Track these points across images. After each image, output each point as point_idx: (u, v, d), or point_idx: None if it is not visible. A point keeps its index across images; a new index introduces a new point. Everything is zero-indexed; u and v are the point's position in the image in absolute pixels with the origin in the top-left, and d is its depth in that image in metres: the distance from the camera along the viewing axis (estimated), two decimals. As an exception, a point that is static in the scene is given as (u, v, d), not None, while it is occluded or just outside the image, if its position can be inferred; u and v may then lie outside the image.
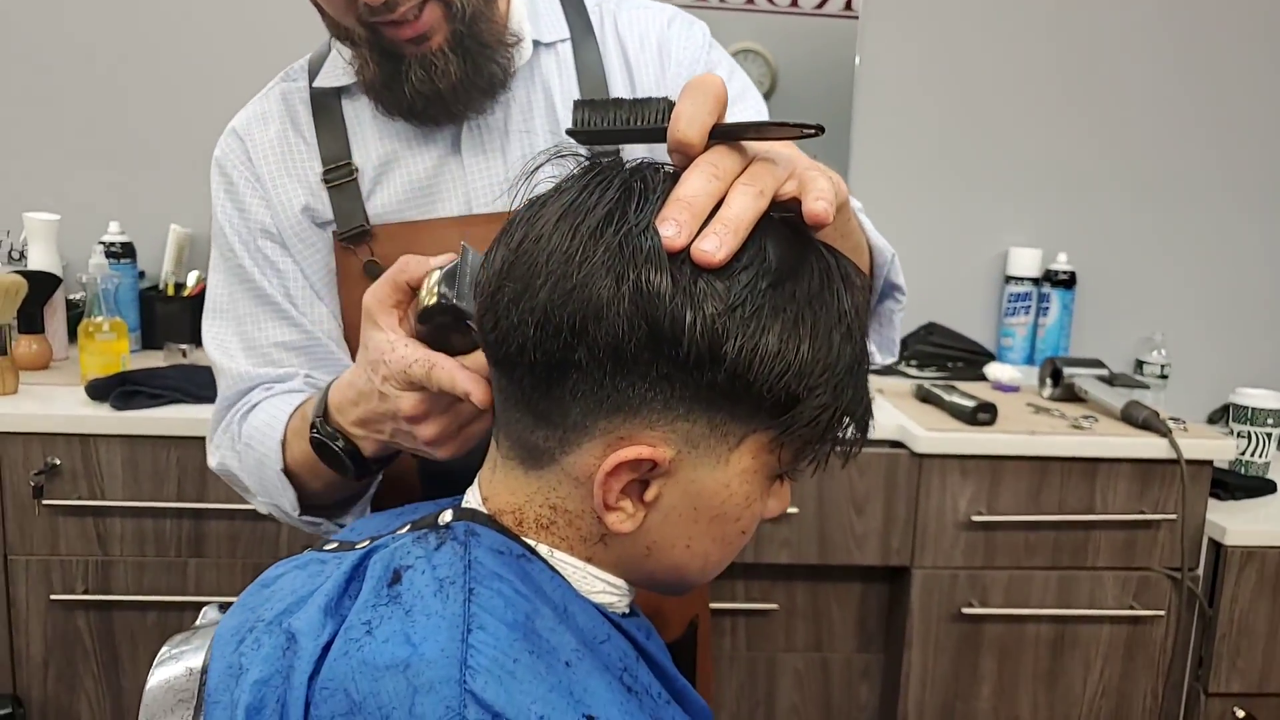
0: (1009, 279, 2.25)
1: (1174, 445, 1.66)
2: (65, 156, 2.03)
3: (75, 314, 1.88)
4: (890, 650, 1.80)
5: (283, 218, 0.91)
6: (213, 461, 0.95)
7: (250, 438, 0.88)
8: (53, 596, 1.58)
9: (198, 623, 0.82)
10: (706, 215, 0.52)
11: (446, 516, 0.63)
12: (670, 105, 0.56)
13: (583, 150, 0.58)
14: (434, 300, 0.66)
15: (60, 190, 2.00)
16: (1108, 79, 2.24)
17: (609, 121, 0.57)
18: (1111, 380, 1.94)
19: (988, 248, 2.29)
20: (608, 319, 0.51)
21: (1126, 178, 2.27)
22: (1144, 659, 1.76)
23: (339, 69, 0.91)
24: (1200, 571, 1.74)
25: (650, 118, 0.57)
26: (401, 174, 0.91)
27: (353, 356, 0.90)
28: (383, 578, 0.59)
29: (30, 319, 1.75)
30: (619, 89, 0.93)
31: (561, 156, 0.58)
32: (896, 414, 1.77)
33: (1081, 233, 2.28)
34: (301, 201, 0.91)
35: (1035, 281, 2.23)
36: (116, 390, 1.55)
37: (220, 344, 0.94)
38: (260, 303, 0.92)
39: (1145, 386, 2.00)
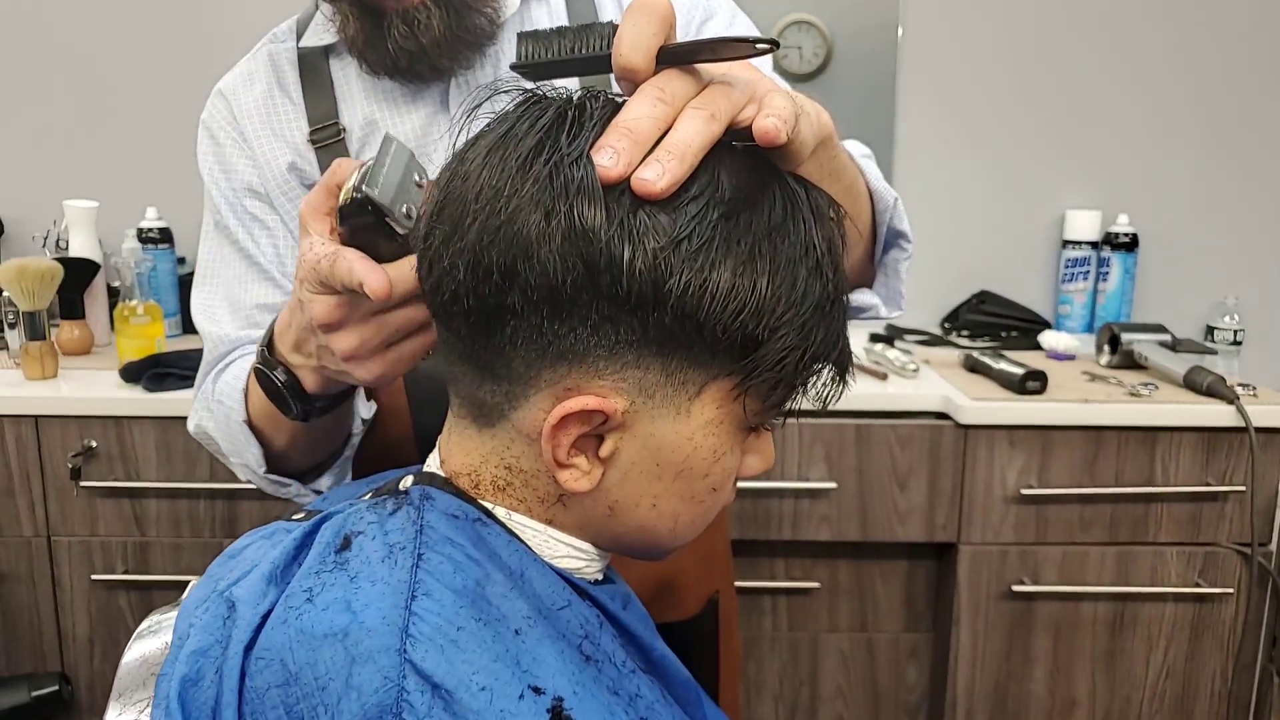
0: (1066, 243, 2.14)
1: (1241, 412, 1.56)
2: (105, 144, 2.06)
3: (117, 300, 1.90)
4: (938, 630, 1.74)
5: (269, 176, 0.89)
6: (190, 424, 0.92)
7: (221, 393, 0.85)
8: (94, 577, 1.61)
9: (183, 596, 0.80)
10: (653, 144, 0.48)
11: (407, 481, 0.60)
12: (614, 29, 0.52)
13: (529, 86, 0.54)
14: (351, 197, 0.60)
15: (100, 178, 2.03)
16: (1169, 27, 2.11)
17: (552, 52, 0.53)
18: (1175, 346, 1.83)
19: (1043, 211, 2.19)
20: (538, 258, 0.47)
21: (1192, 133, 2.15)
22: (1211, 639, 1.67)
23: (325, 28, 0.89)
24: (1273, 547, 1.64)
25: (595, 44, 0.52)
26: (391, 132, 0.88)
27: None
28: (331, 543, 0.56)
29: (71, 305, 1.78)
30: None
31: (505, 92, 0.54)
32: (942, 384, 1.70)
33: (1144, 193, 2.16)
34: (287, 160, 0.89)
35: (1094, 245, 2.12)
36: (149, 372, 1.57)
37: (206, 309, 0.92)
38: (247, 264, 0.90)
39: (1212, 352, 1.89)
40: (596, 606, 0.59)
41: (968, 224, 2.16)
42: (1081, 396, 1.62)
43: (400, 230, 0.60)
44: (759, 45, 0.49)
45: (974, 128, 2.15)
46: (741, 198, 0.50)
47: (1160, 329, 1.86)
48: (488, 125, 0.53)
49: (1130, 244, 2.11)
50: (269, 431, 0.81)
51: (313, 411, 0.75)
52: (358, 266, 0.59)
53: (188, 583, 1.63)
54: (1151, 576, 1.65)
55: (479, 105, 0.54)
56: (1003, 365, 1.69)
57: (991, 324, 2.09)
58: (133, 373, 1.59)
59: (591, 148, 0.48)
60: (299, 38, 0.91)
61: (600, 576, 0.61)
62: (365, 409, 0.85)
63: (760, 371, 0.51)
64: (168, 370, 1.58)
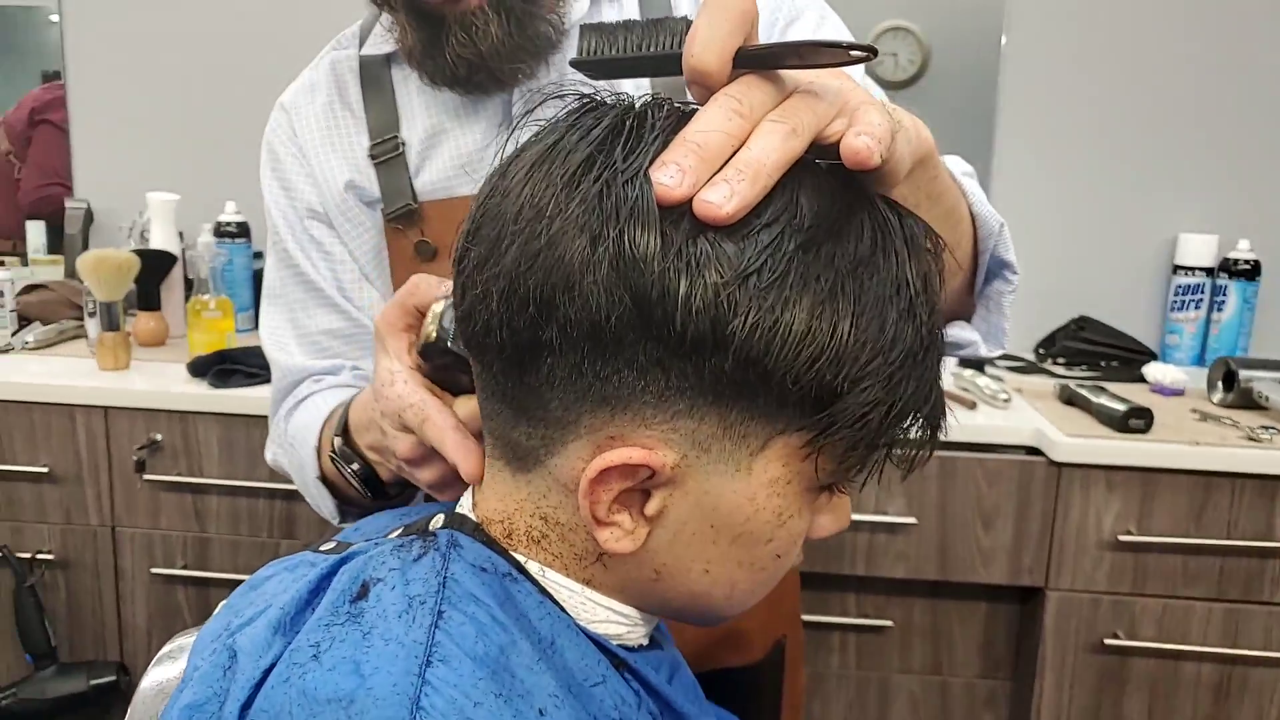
0: (1177, 269, 2.00)
1: (1375, 465, 1.41)
2: (189, 138, 2.08)
3: (193, 293, 1.92)
4: (1019, 678, 1.62)
5: (328, 195, 0.86)
6: (268, 455, 0.92)
7: (294, 437, 0.84)
8: (154, 570, 1.61)
9: (216, 611, 0.77)
10: (723, 161, 0.41)
11: (437, 522, 0.55)
12: (688, 25, 0.45)
13: (588, 89, 0.48)
14: (433, 337, 0.59)
15: (183, 171, 2.05)
16: (1302, 40, 1.95)
17: (617, 48, 0.47)
18: (1298, 386, 1.68)
19: (1152, 234, 2.04)
20: (580, 289, 0.41)
21: (1323, 153, 1.98)
22: (1329, 711, 1.52)
23: (385, 36, 0.85)
24: (1405, 614, 1.48)
25: (665, 42, 0.46)
26: (449, 148, 0.84)
27: None
28: (347, 591, 0.50)
29: (148, 296, 1.79)
30: None
31: (562, 97, 0.47)
32: (1034, 417, 1.59)
33: (1267, 217, 2.00)
34: (345, 177, 0.85)
35: (1209, 272, 1.97)
36: (215, 368, 1.56)
37: (273, 333, 0.90)
38: (307, 289, 0.88)
39: (1341, 394, 1.73)
40: (638, 679, 0.52)
41: (1069, 244, 2.03)
42: (1191, 438, 1.49)
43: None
44: (853, 52, 0.42)
45: (1079, 141, 2.02)
46: (824, 226, 0.43)
47: (1282, 366, 1.71)
48: (535, 135, 0.46)
49: (1251, 271, 1.96)
50: (342, 488, 0.81)
51: (386, 497, 0.74)
52: (449, 441, 0.58)
53: (243, 582, 1.62)
54: (1265, 639, 1.51)
55: (531, 111, 0.48)
56: (1103, 399, 1.57)
57: (1091, 352, 1.96)
58: (199, 368, 1.58)
59: (651, 164, 0.41)
60: (361, 44, 0.88)
61: (645, 641, 0.54)
62: None
63: (837, 428, 0.44)
64: (234, 367, 1.57)
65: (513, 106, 0.83)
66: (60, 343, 1.83)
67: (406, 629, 0.47)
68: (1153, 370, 1.83)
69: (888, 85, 2.00)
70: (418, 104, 0.85)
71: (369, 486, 0.73)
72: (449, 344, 0.58)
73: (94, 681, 1.57)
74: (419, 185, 0.84)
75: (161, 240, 1.83)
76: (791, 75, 0.44)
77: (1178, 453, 1.47)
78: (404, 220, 0.84)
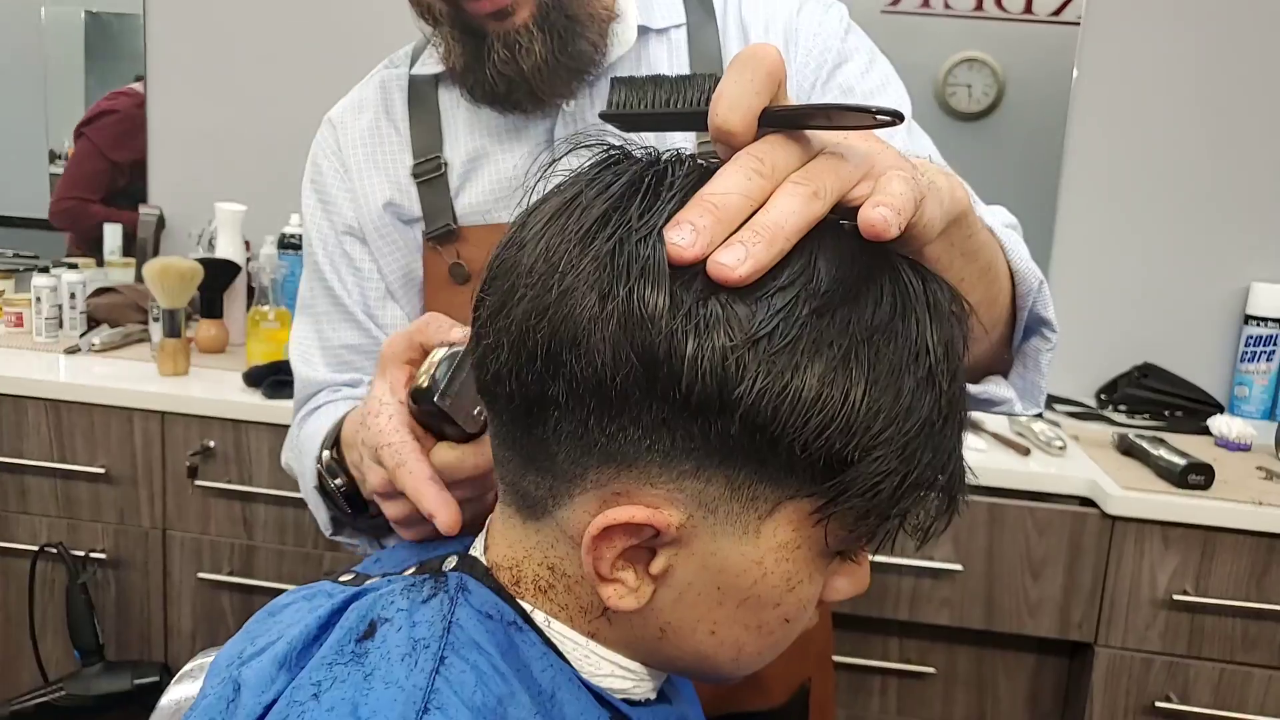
0: (1249, 319, 1.93)
1: None
2: (258, 150, 2.13)
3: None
4: (1065, 737, 1.57)
5: (365, 212, 0.87)
6: (283, 458, 0.93)
7: (303, 444, 0.84)
8: (201, 574, 1.64)
9: (245, 625, 0.78)
10: (739, 221, 0.41)
11: (450, 563, 0.55)
12: (715, 81, 0.44)
13: (617, 138, 0.48)
14: (423, 385, 0.59)
15: (251, 182, 2.10)
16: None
17: (646, 103, 0.47)
18: (1373, 447, 1.61)
19: (1224, 281, 1.97)
20: (587, 346, 0.41)
21: None
22: (1395, 793, 1.44)
23: (435, 56, 0.86)
24: None
25: (692, 98, 0.45)
26: (490, 171, 0.84)
27: None
28: (354, 629, 0.51)
29: (211, 304, 1.84)
30: None
31: (587, 146, 0.47)
32: (1090, 466, 1.54)
33: (1346, 267, 1.92)
34: (386, 196, 0.86)
35: (1282, 323, 1.90)
36: (269, 379, 1.59)
37: (299, 344, 0.92)
38: (332, 303, 0.89)
39: None
40: (640, 734, 0.51)
41: (1135, 287, 1.97)
42: (1254, 497, 1.43)
43: (469, 430, 0.60)
44: (879, 117, 0.41)
45: (1150, 181, 1.96)
46: (841, 290, 0.42)
47: (1357, 426, 1.63)
48: (558, 187, 0.46)
49: (1327, 324, 1.88)
50: (337, 502, 0.80)
51: (368, 516, 0.73)
52: (425, 494, 0.58)
53: (286, 590, 1.64)
54: (1326, 711, 1.44)
55: (558, 160, 0.48)
56: (1162, 452, 1.52)
57: (1154, 400, 1.90)
58: (255, 378, 1.61)
59: (666, 223, 0.41)
60: (412, 64, 0.89)
61: (653, 695, 0.54)
62: None
63: (848, 496, 0.43)
64: (288, 378, 1.58)
65: (556, 130, 0.83)
66: (125, 346, 1.88)
67: (408, 673, 0.47)
68: (1218, 423, 1.76)
69: (961, 117, 1.97)
70: (462, 125, 0.85)
71: (351, 503, 0.72)
72: (436, 398, 0.58)
73: (138, 681, 1.61)
74: (459, 207, 0.85)
75: (227, 249, 1.88)
76: (818, 136, 0.43)
77: (1238, 512, 1.41)
78: (442, 240, 0.85)
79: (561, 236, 0.43)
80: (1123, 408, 1.91)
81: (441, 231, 0.84)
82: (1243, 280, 1.96)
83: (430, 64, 0.86)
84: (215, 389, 1.64)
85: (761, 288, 0.41)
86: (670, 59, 0.83)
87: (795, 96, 0.81)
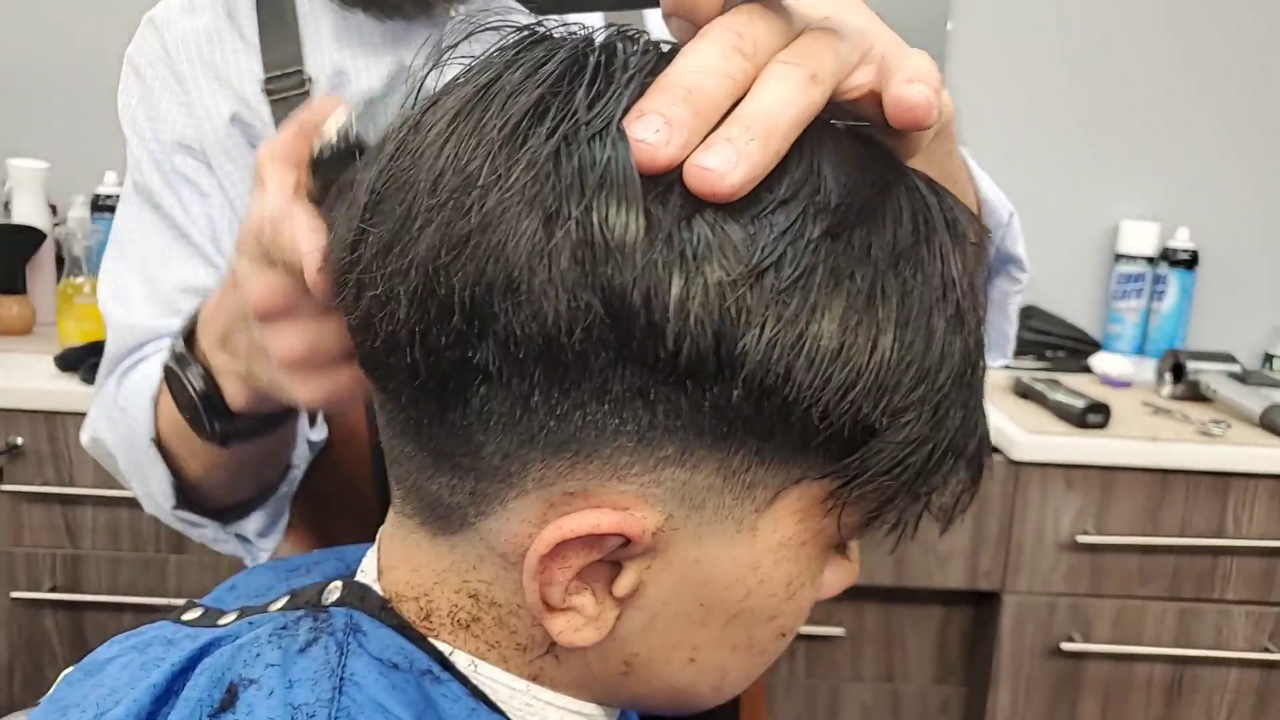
0: (1119, 257, 1.95)
1: (1332, 460, 1.37)
2: (59, 96, 1.84)
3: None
4: (973, 685, 1.56)
5: (206, 128, 0.71)
6: (84, 436, 0.72)
7: (125, 399, 0.66)
8: (15, 594, 1.42)
9: (41, 701, 0.61)
10: (720, 114, 0.30)
11: (334, 592, 0.41)
12: None
13: (529, 19, 0.35)
14: (333, 143, 0.40)
15: (53, 135, 1.83)
16: (1239, 25, 1.92)
17: None
18: (1245, 378, 1.65)
19: (1095, 222, 2.00)
20: (530, 290, 0.29)
21: (1261, 142, 1.95)
22: (1279, 710, 1.49)
23: None
24: (1356, 611, 1.46)
25: None
26: (363, 87, 0.70)
27: None
28: (205, 699, 0.37)
29: (11, 278, 1.59)
30: None
31: (497, 28, 0.34)
32: (992, 413, 1.51)
33: (1206, 206, 1.97)
34: (230, 109, 0.71)
35: (1150, 261, 1.93)
36: (89, 361, 1.38)
37: (116, 289, 0.72)
38: (172, 234, 0.72)
39: (1286, 386, 1.70)
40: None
41: (1014, 231, 1.97)
42: (1149, 434, 1.44)
43: None
44: None
45: (1023, 128, 1.96)
46: (855, 205, 0.32)
47: (1229, 358, 1.68)
48: (461, 74, 0.34)
49: (1190, 261, 1.92)
50: (182, 453, 0.62)
51: (234, 434, 0.55)
52: (305, 233, 0.39)
53: (123, 605, 1.45)
54: (1216, 638, 1.47)
55: (455, 46, 0.35)
56: (1060, 395, 1.50)
57: (1038, 342, 1.91)
58: (71, 361, 1.40)
59: (625, 114, 0.30)
60: None
61: (611, 738, 0.42)
62: (314, 432, 0.67)
63: (871, 475, 0.33)
64: (110, 360, 1.38)
65: (442, 44, 0.69)
66: (-96, 331, 1.61)
67: (288, 760, 0.33)
68: (1100, 361, 1.78)
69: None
70: (326, 32, 0.71)
71: (211, 409, 0.53)
72: (359, 133, 0.39)
73: (-53, 720, 1.38)
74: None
75: (27, 213, 1.63)
76: (800, 7, 0.33)
77: (1136, 450, 1.42)
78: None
79: (478, 137, 0.30)
80: (1007, 350, 1.91)
81: None
82: (1112, 219, 1.99)
83: None
84: (21, 376, 1.41)
85: (757, 202, 0.30)
86: None
87: None
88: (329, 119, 0.41)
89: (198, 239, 0.72)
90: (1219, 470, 1.42)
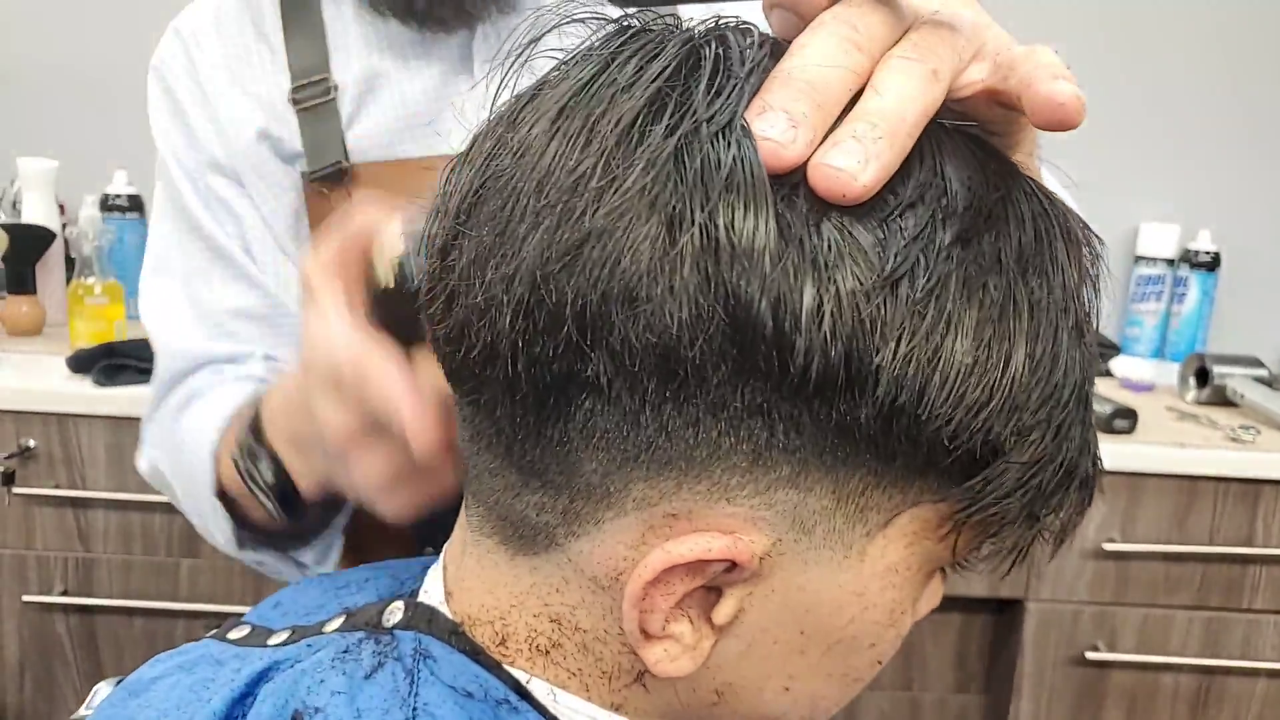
0: (1139, 259, 1.93)
1: (1364, 467, 1.35)
2: (70, 94, 1.83)
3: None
4: (994, 694, 1.54)
5: (235, 145, 0.70)
6: (141, 463, 0.73)
7: (185, 439, 0.67)
8: (27, 597, 1.40)
9: (82, 709, 0.60)
10: (839, 110, 0.29)
11: (395, 615, 0.39)
12: None
13: (617, 13, 0.33)
14: (389, 285, 0.43)
15: (64, 133, 1.80)
16: (1258, 28, 1.90)
17: None
18: (1272, 383, 1.63)
19: (1114, 223, 1.98)
20: (650, 300, 0.27)
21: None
22: (1308, 722, 1.47)
23: None
24: (1384, 621, 1.44)
25: None
26: (392, 95, 0.70)
27: None
28: (270, 729, 0.35)
29: (20, 278, 1.56)
30: None
31: (579, 20, 0.33)
32: (1013, 417, 1.49)
33: (1229, 208, 1.95)
34: (258, 125, 0.70)
35: (1170, 263, 1.92)
36: (102, 363, 1.36)
37: (161, 311, 0.72)
38: (213, 256, 0.72)
39: (1313, 391, 1.68)
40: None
41: (1032, 233, 1.96)
42: (1176, 440, 1.42)
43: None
44: None
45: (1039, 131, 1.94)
46: (982, 209, 0.30)
47: (1256, 362, 1.66)
48: (556, 69, 0.32)
49: (1211, 263, 1.91)
50: (248, 506, 0.62)
51: (306, 520, 0.57)
52: (404, 402, 0.40)
53: (135, 609, 1.42)
54: (1244, 648, 1.45)
55: (538, 40, 0.33)
56: (1085, 398, 1.48)
57: (1056, 346, 1.89)
58: (83, 362, 1.37)
59: (747, 108, 0.28)
60: None
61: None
62: None
63: (994, 498, 0.31)
64: (124, 361, 1.36)
65: (475, 48, 0.67)
66: (-88, 330, 1.59)
67: (360, 797, 0.31)
68: (1121, 365, 1.76)
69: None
70: (355, 38, 0.70)
71: (283, 502, 0.55)
72: (412, 289, 0.41)
73: (-44, 726, 1.36)
74: (352, 139, 0.69)
75: (37, 213, 1.60)
76: (910, 1, 0.32)
77: (1164, 456, 1.39)
78: (330, 182, 0.69)
79: (588, 134, 0.28)
80: (1025, 354, 1.89)
81: (329, 171, 0.69)
82: (1132, 221, 1.97)
83: None
84: (32, 377, 1.39)
85: (883, 205, 0.28)
86: None
87: None
88: (384, 240, 0.43)
89: (240, 260, 0.71)
90: (1248, 477, 1.39)
